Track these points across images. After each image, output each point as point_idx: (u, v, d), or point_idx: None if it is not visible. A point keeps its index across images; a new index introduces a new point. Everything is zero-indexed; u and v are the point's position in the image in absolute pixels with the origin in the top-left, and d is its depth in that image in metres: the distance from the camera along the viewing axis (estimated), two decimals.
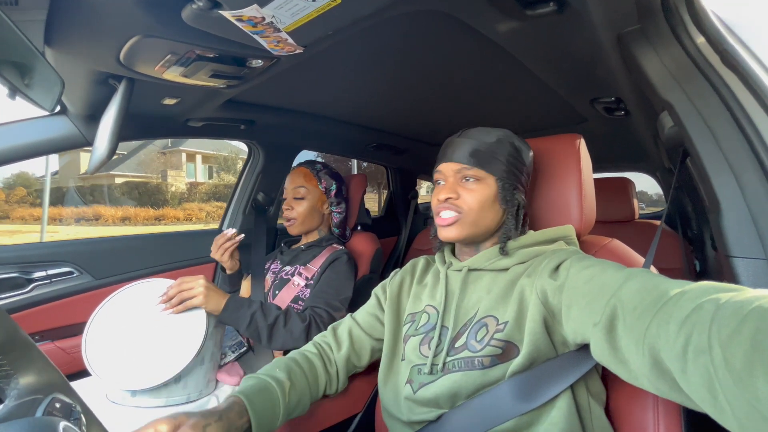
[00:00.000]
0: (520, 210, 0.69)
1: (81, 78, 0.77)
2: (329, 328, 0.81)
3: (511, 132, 0.70)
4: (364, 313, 0.81)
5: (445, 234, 0.67)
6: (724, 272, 0.59)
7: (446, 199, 0.66)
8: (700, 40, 0.60)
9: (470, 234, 0.67)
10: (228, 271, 1.19)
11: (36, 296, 1.11)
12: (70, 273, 1.17)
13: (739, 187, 0.55)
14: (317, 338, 0.80)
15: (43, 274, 1.12)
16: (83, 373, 0.86)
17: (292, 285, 1.13)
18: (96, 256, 1.22)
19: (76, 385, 0.89)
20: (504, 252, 0.66)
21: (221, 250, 1.12)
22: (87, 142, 1.04)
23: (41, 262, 1.13)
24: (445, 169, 0.69)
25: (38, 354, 0.30)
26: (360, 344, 0.78)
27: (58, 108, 1.01)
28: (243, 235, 1.13)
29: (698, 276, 1.52)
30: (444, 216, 0.67)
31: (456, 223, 0.66)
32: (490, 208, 0.66)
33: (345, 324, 0.81)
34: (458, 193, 0.66)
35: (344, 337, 0.78)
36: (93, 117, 1.00)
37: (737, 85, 0.56)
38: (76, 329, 1.17)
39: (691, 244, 1.68)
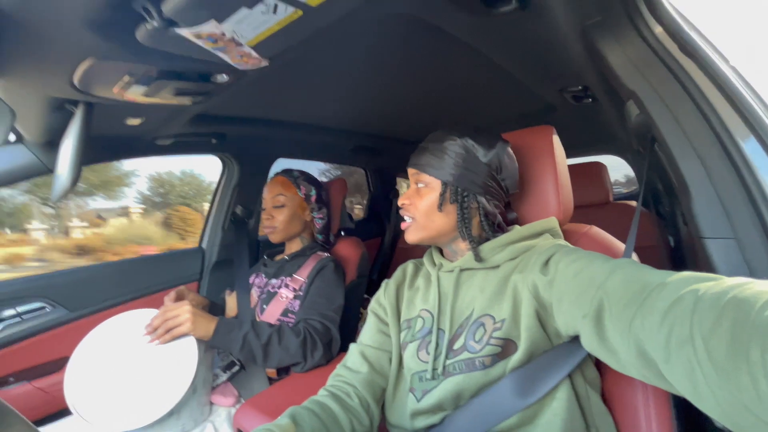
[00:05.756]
0: (479, 211, 0.68)
1: (34, 105, 0.73)
2: (339, 366, 0.74)
3: (472, 131, 0.68)
4: (369, 333, 0.76)
5: (405, 236, 0.72)
6: (697, 252, 0.61)
7: (402, 205, 0.72)
8: (658, 29, 0.61)
9: (425, 237, 0.70)
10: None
11: (6, 336, 1.05)
12: (43, 308, 1.11)
13: (704, 170, 0.57)
14: (329, 380, 0.73)
15: (12, 312, 1.06)
16: (64, 412, 0.82)
17: (280, 298, 1.11)
18: (69, 288, 1.16)
19: (58, 426, 0.85)
20: (478, 258, 0.66)
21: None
22: (48, 170, 0.99)
23: (9, 299, 1.07)
24: (408, 174, 0.73)
25: (25, 427, 0.28)
26: (380, 363, 0.72)
27: (13, 137, 0.96)
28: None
29: (673, 251, 1.58)
30: (404, 220, 0.72)
31: (410, 228, 0.71)
32: (436, 213, 0.68)
33: (353, 351, 0.74)
34: (411, 199, 0.70)
35: (359, 362, 0.71)
36: (52, 143, 0.95)
37: (696, 72, 0.58)
38: (53, 366, 1.11)
39: (664, 221, 1.75)
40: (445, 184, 0.67)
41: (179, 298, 1.02)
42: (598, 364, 0.64)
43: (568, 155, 0.79)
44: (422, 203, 0.68)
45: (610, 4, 0.64)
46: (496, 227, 0.70)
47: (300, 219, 1.21)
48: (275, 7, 0.47)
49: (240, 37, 0.53)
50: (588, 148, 2.11)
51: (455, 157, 0.66)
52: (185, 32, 0.49)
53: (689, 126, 0.58)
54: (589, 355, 0.59)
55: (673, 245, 1.58)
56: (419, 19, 0.72)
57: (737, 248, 0.52)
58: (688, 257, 0.88)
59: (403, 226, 0.72)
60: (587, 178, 1.73)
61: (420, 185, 0.70)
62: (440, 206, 0.67)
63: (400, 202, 0.71)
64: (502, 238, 0.67)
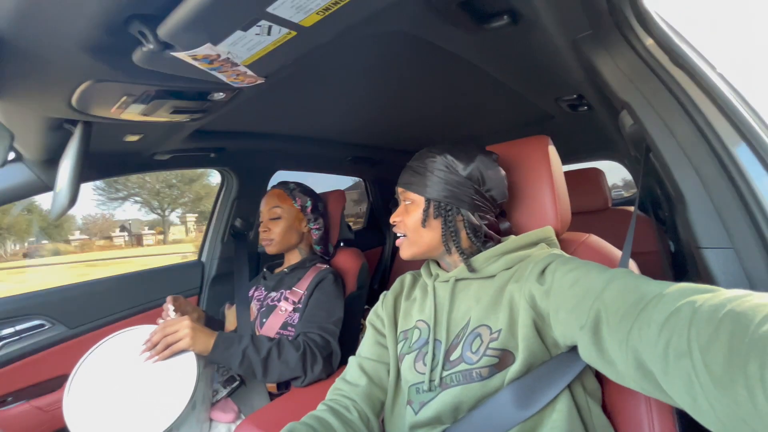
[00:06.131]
0: (465, 224, 0.68)
1: (33, 125, 0.74)
2: (338, 379, 0.74)
3: (451, 147, 0.69)
4: (368, 345, 0.76)
5: (400, 253, 0.74)
6: (696, 262, 0.61)
7: (393, 222, 0.74)
8: (649, 41, 0.62)
9: (417, 253, 0.71)
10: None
11: (5, 355, 1.04)
12: (41, 326, 1.10)
13: (699, 179, 0.57)
14: (328, 394, 0.73)
15: (11, 330, 1.06)
16: (63, 431, 0.81)
17: (280, 311, 1.10)
18: (67, 305, 1.15)
19: None
20: (472, 269, 0.67)
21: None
22: (47, 188, 0.99)
23: (7, 318, 1.06)
24: (398, 192, 0.75)
25: None
26: (378, 375, 0.72)
27: (12, 155, 0.97)
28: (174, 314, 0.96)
29: (674, 257, 1.57)
30: (397, 237, 0.74)
31: (402, 244, 0.73)
32: (423, 228, 0.69)
33: (352, 364, 0.75)
34: (401, 216, 0.72)
35: (357, 375, 0.72)
36: (51, 162, 0.95)
37: (687, 82, 0.58)
38: (53, 384, 1.10)
39: (664, 226, 1.74)
40: (428, 201, 0.68)
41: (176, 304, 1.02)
42: (599, 375, 0.64)
43: (567, 162, 0.80)
44: (410, 220, 0.70)
45: (601, 17, 0.65)
46: (485, 238, 0.70)
47: (296, 230, 1.21)
48: (269, 28, 0.48)
49: (235, 57, 0.54)
50: (586, 155, 2.11)
51: (436, 173, 0.68)
52: (181, 54, 0.50)
53: (682, 135, 0.58)
54: (589, 366, 0.59)
55: (674, 250, 1.58)
56: (413, 36, 0.73)
57: (735, 258, 0.52)
58: (689, 264, 0.88)
59: (397, 243, 0.74)
60: (585, 184, 1.74)
61: (407, 203, 0.72)
62: (424, 222, 0.69)
63: (391, 220, 0.74)
64: (497, 248, 0.67)
